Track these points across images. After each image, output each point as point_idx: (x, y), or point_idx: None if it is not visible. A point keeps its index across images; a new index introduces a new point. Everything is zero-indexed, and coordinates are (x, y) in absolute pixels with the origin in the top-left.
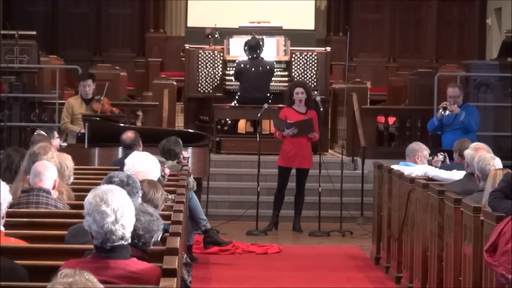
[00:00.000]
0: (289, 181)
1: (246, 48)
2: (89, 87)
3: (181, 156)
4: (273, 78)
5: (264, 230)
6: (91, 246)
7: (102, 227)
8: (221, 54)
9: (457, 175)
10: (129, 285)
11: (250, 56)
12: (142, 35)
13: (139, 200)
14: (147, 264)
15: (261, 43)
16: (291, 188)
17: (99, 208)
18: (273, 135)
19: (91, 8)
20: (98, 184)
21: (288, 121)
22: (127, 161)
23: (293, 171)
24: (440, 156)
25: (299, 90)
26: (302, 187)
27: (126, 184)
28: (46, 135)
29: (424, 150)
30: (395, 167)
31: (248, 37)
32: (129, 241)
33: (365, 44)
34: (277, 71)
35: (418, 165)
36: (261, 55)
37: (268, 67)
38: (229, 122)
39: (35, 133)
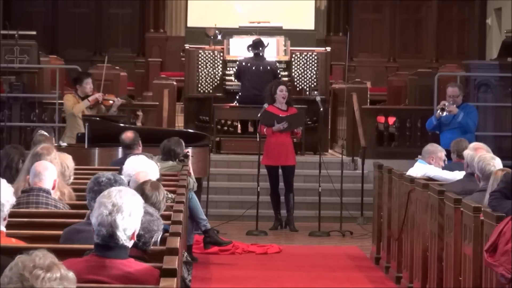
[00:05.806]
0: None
1: (249, 46)
2: (90, 84)
3: (189, 155)
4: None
5: (270, 229)
6: (91, 246)
7: (103, 221)
8: (221, 54)
9: (458, 175)
10: (128, 285)
11: (252, 53)
12: (142, 35)
13: None
14: (144, 264)
15: (264, 43)
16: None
17: (105, 202)
18: (260, 132)
19: (91, 8)
20: None
21: (280, 115)
22: (126, 164)
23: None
24: None
25: (283, 88)
26: (291, 186)
27: (114, 182)
28: (48, 135)
29: (439, 152)
30: (411, 170)
31: (250, 37)
32: (131, 243)
33: (365, 44)
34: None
35: (419, 166)
36: (263, 55)
37: (269, 67)
38: (235, 124)
39: (37, 134)
